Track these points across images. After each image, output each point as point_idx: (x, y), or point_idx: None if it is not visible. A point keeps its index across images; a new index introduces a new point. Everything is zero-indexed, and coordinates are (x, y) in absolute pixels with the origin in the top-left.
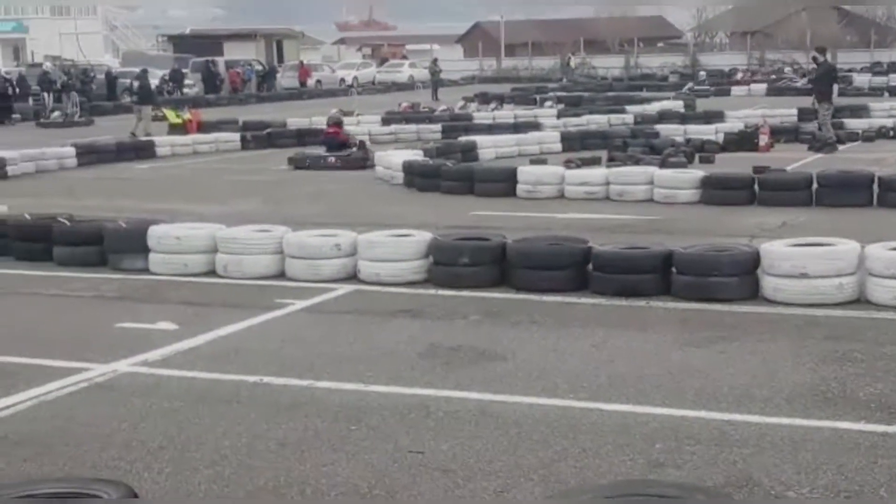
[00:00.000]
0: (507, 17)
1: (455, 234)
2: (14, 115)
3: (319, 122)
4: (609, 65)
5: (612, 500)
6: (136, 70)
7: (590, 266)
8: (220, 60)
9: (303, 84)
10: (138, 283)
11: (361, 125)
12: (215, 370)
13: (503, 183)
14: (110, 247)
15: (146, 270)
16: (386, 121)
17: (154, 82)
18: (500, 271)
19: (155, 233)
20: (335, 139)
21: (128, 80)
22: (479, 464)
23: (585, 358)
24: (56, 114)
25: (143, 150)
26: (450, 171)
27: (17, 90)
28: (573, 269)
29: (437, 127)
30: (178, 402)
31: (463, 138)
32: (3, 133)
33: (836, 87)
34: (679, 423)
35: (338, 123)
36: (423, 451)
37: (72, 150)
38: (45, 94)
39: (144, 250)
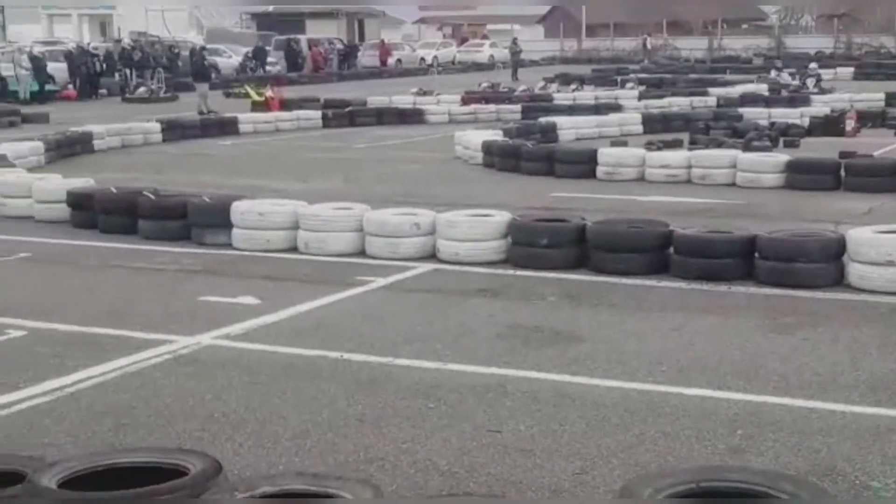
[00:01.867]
0: None
1: (534, 215)
2: (101, 91)
3: (399, 100)
4: (692, 46)
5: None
6: (221, 47)
7: (670, 249)
8: (303, 38)
9: (383, 63)
10: (221, 258)
11: (441, 104)
12: (296, 345)
13: (583, 164)
14: (194, 221)
15: (229, 245)
16: (466, 100)
17: (237, 59)
18: (580, 253)
19: (238, 208)
20: None
21: (213, 58)
22: (556, 445)
23: (665, 342)
24: (141, 89)
25: (226, 127)
26: (530, 152)
27: (105, 66)
28: (653, 252)
29: (517, 107)
30: (260, 376)
31: (543, 119)
32: (91, 108)
33: None
34: (760, 408)
35: None
36: (500, 430)
37: (157, 126)
38: (127, 71)
39: (227, 225)
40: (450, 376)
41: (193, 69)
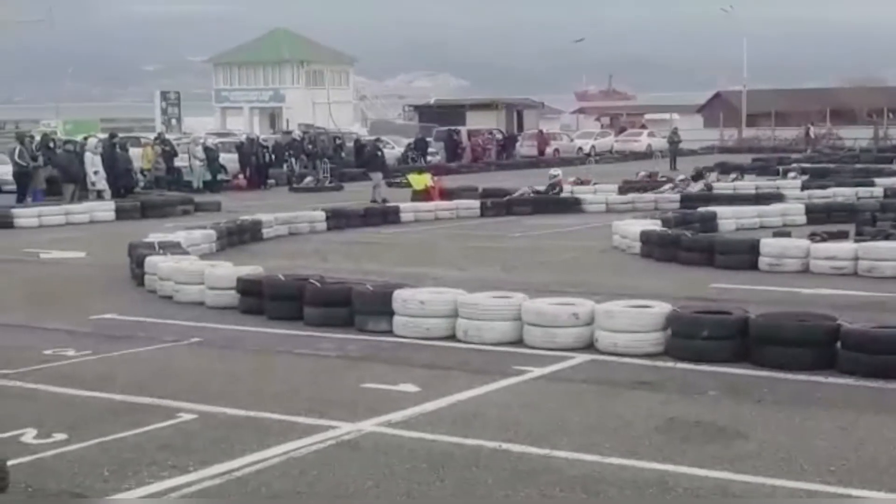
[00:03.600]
0: (750, 87)
1: (695, 307)
2: (269, 181)
3: None
4: (856, 135)
5: None
6: (385, 139)
7: (838, 344)
8: (463, 129)
9: (541, 153)
10: (382, 345)
11: (598, 193)
12: (455, 434)
13: (744, 255)
14: (357, 308)
15: (390, 332)
16: (623, 190)
17: (399, 150)
18: (742, 346)
19: (400, 296)
20: None
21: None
22: None
23: (833, 440)
24: (308, 179)
25: (388, 216)
26: (689, 242)
27: (273, 157)
28: (820, 347)
29: (676, 197)
30: (419, 464)
31: (702, 209)
32: (260, 197)
33: None
34: None
35: None
36: None
37: (322, 215)
38: (293, 161)
39: (389, 313)
40: (609, 470)
41: (367, 159)
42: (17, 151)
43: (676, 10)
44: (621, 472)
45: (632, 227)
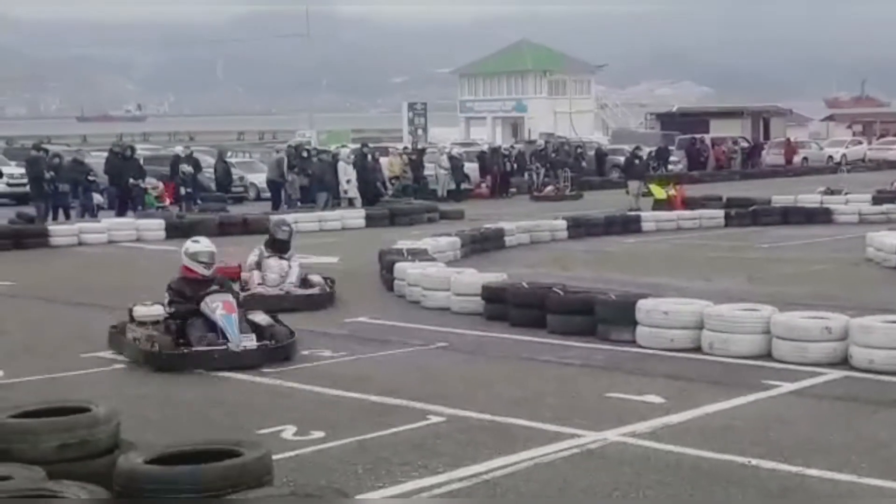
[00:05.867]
0: None
1: None
2: (511, 189)
3: (805, 199)
4: None
5: None
6: (625, 147)
7: None
8: (706, 137)
9: (788, 161)
10: (625, 355)
11: (850, 204)
12: (703, 447)
13: None
14: (600, 317)
15: (633, 342)
16: (877, 200)
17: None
18: None
19: (643, 306)
20: None
21: (617, 157)
22: None
23: None
24: (549, 188)
25: (629, 225)
26: None
27: (516, 165)
28: None
29: None
30: (667, 477)
31: None
32: (502, 205)
33: None
34: None
35: None
36: None
37: (563, 223)
38: (534, 168)
39: (632, 323)
40: (867, 491)
41: (625, 166)
42: (275, 161)
43: None
44: (881, 494)
45: (888, 239)
